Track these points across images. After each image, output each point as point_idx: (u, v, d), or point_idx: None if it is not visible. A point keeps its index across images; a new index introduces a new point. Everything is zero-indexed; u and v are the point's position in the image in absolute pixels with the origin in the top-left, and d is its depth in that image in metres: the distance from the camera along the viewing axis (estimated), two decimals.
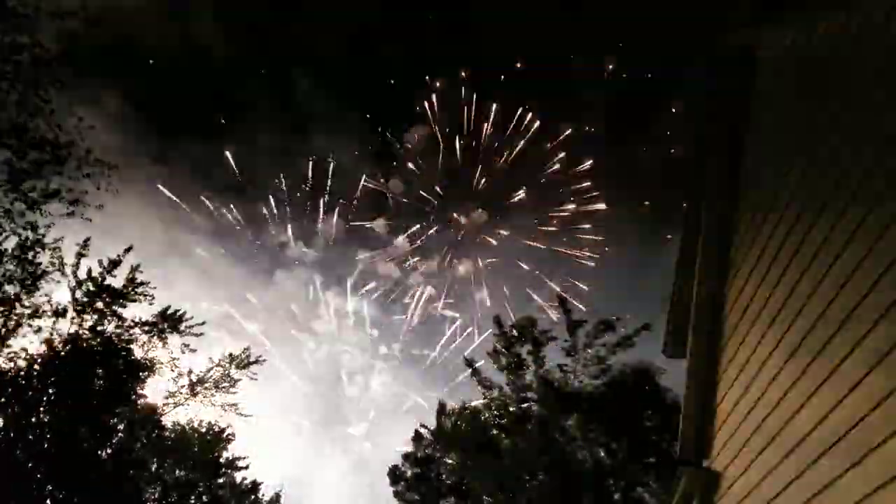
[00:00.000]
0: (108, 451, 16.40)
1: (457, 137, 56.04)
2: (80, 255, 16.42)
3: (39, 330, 15.89)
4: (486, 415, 19.38)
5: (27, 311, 15.76)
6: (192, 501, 18.86)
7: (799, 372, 4.52)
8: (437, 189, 60.01)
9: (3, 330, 15.42)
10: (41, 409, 15.38)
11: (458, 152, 56.13)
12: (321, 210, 60.87)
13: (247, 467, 20.65)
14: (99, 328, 16.53)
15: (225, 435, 19.75)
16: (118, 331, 16.80)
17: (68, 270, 16.29)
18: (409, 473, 20.76)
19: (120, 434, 16.81)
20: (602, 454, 15.90)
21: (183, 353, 17.85)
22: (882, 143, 3.68)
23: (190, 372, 18.25)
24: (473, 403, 20.40)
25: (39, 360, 15.50)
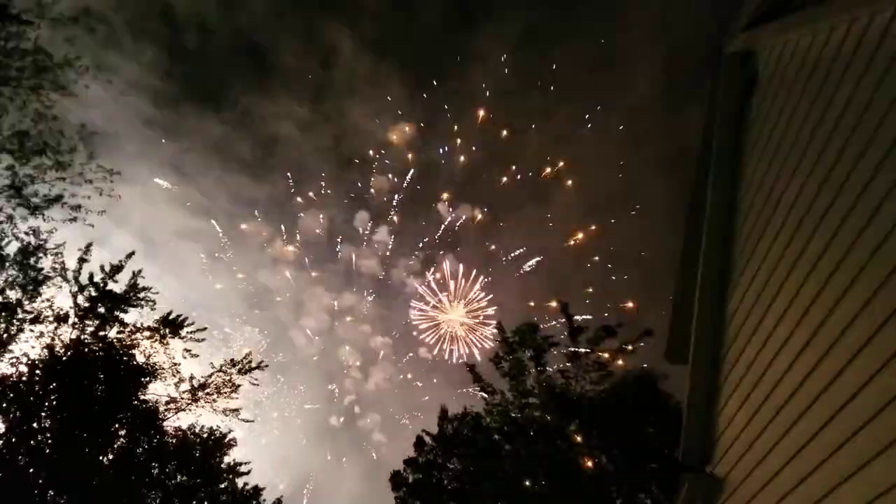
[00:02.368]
0: (110, 456, 16.37)
1: None
2: (81, 260, 16.43)
3: (41, 335, 15.91)
4: (488, 420, 19.34)
5: (29, 317, 15.78)
6: None
7: (803, 376, 4.51)
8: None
9: (5, 335, 15.42)
10: (42, 414, 15.36)
11: None
12: None
13: (248, 472, 20.59)
14: (101, 333, 16.53)
15: (226, 440, 19.70)
16: (120, 336, 16.81)
17: (70, 275, 16.32)
18: (410, 479, 20.70)
19: (121, 439, 16.78)
20: (604, 460, 15.85)
21: (185, 357, 17.85)
22: (885, 144, 3.68)
23: (192, 377, 18.24)
24: (475, 409, 20.35)
25: (41, 366, 15.49)
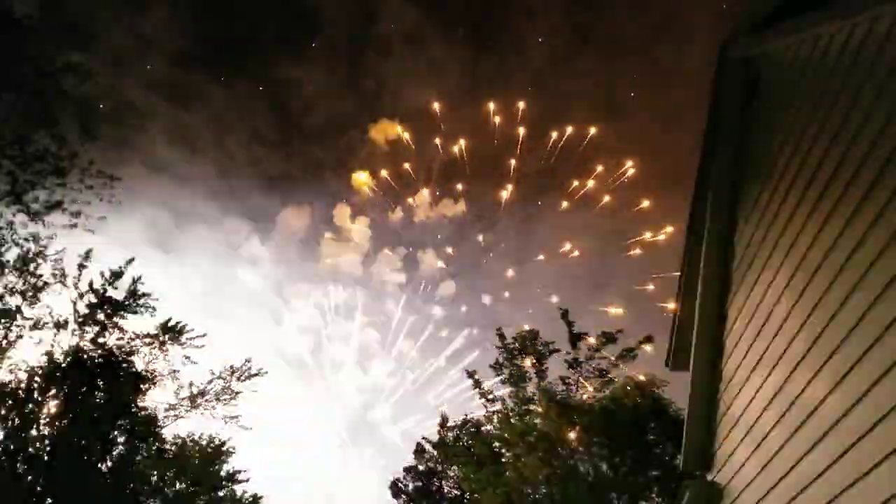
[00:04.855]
0: (109, 463, 16.33)
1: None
2: (81, 267, 16.42)
3: (40, 342, 15.88)
4: (489, 427, 19.31)
5: (28, 323, 15.75)
6: None
7: (803, 385, 4.49)
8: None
9: (4, 342, 15.39)
10: (42, 421, 15.33)
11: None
12: None
13: (247, 480, 20.57)
14: (100, 340, 16.50)
15: (226, 448, 19.68)
16: (119, 343, 16.77)
17: (70, 282, 16.30)
18: (410, 487, 20.69)
19: (120, 446, 16.74)
20: (604, 467, 15.80)
21: (184, 364, 17.83)
22: (887, 151, 3.66)
23: (191, 384, 18.22)
24: (475, 416, 20.34)
25: (40, 372, 15.47)
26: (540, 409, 17.35)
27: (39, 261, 15.59)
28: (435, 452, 20.57)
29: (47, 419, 15.41)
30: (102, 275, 16.75)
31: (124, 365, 16.55)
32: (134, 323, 17.16)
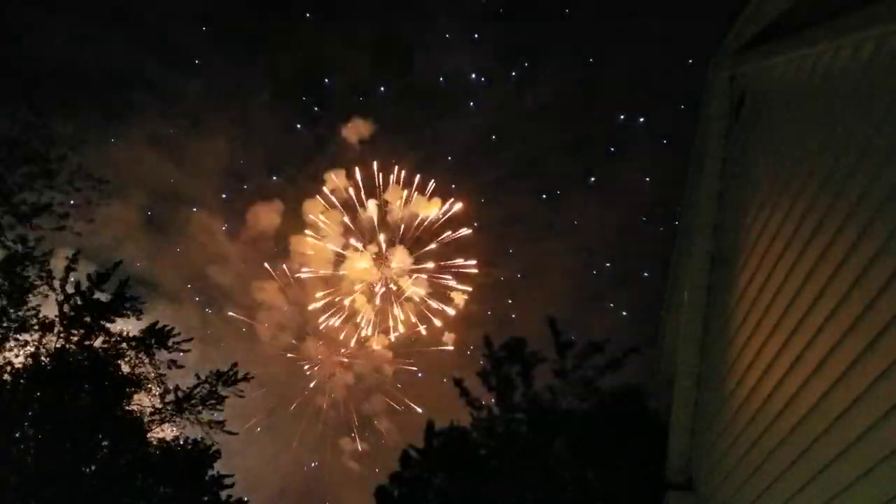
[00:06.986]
0: (93, 467, 16.19)
1: None
2: (69, 269, 16.33)
3: (26, 344, 15.76)
4: (475, 435, 19.26)
5: (14, 325, 15.62)
6: None
7: (788, 397, 4.55)
8: None
9: None
10: (25, 423, 15.20)
11: None
12: None
13: (232, 485, 20.40)
14: (86, 343, 16.39)
15: (211, 452, 19.52)
16: (105, 346, 16.66)
17: (56, 284, 16.18)
18: (396, 493, 20.58)
19: (104, 450, 16.60)
20: (590, 476, 15.81)
21: (170, 368, 17.75)
22: (871, 169, 3.74)
23: (176, 388, 18.12)
24: (462, 424, 20.26)
25: (25, 374, 15.35)
26: (525, 418, 17.38)
27: (27, 262, 15.49)
28: (421, 460, 20.50)
29: (31, 422, 15.29)
30: (90, 277, 16.67)
31: (110, 368, 16.45)
32: (120, 325, 17.10)
